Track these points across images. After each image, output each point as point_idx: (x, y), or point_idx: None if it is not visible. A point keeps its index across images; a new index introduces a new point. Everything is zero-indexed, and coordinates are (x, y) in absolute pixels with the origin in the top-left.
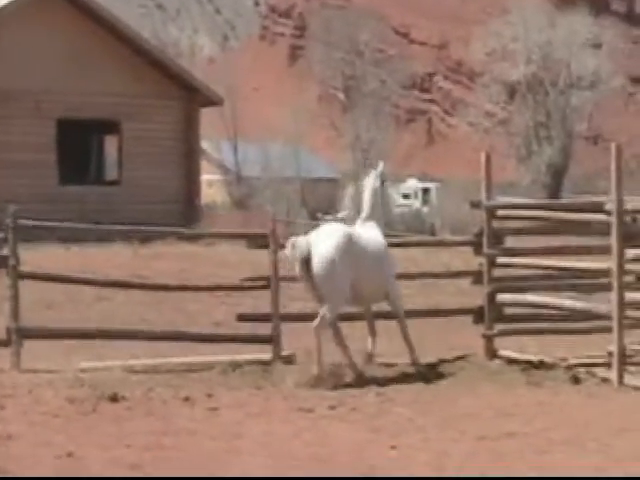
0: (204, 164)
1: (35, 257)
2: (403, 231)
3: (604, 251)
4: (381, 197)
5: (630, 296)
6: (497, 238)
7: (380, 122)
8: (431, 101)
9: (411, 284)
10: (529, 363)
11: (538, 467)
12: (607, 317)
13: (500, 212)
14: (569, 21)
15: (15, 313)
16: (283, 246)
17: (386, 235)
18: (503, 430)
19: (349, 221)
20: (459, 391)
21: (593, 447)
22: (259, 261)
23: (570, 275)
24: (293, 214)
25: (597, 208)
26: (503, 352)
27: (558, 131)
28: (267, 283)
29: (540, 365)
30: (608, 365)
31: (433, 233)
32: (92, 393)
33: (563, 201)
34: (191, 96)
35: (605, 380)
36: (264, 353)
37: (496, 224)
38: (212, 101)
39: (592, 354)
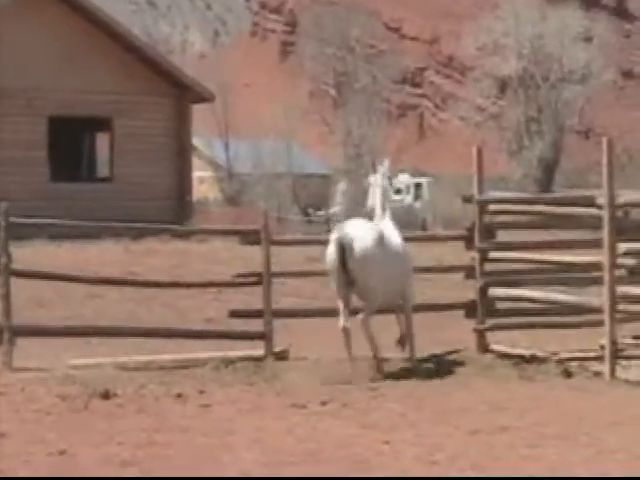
0: (196, 161)
1: (26, 254)
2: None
3: (596, 245)
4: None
5: (622, 290)
6: (489, 232)
7: (371, 117)
8: (422, 96)
9: None
10: (521, 357)
11: (531, 460)
12: (599, 311)
13: (492, 206)
14: (560, 15)
15: (7, 311)
16: (275, 242)
17: None
18: (496, 424)
19: (362, 216)
20: (452, 386)
21: (585, 441)
22: (251, 257)
23: (562, 269)
24: (285, 210)
25: (589, 202)
26: (495, 346)
27: (549, 125)
28: (259, 279)
29: (532, 359)
30: (600, 359)
31: (425, 228)
32: (84, 390)
33: (555, 195)
34: (182, 93)
35: (597, 374)
36: (256, 349)
37: (488, 218)
38: (203, 97)
39: (584, 348)
